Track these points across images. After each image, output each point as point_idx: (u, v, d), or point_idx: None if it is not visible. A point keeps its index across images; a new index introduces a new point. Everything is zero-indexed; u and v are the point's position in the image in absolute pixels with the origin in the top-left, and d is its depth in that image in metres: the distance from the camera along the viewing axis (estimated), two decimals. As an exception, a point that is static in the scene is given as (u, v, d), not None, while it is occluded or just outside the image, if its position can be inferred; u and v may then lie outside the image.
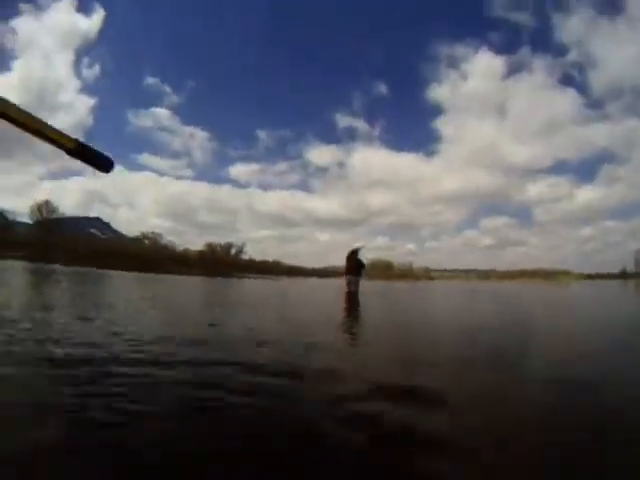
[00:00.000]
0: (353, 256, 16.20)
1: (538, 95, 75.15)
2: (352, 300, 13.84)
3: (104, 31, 63.35)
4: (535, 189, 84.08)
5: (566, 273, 68.79)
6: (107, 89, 78.66)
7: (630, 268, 61.45)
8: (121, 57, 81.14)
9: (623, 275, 60.66)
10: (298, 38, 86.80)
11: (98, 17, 63.45)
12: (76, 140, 1.46)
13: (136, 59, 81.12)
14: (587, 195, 76.33)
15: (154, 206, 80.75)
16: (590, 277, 63.20)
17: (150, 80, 74.00)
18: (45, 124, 1.40)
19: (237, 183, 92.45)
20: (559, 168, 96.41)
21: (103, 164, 1.58)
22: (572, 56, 63.69)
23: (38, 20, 63.60)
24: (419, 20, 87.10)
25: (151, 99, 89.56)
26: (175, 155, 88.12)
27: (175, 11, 78.73)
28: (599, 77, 69.88)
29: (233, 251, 63.96)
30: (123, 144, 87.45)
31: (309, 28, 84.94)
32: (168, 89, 75.28)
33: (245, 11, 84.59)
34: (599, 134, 73.69)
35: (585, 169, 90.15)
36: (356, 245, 16.64)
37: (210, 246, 62.83)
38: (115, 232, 71.53)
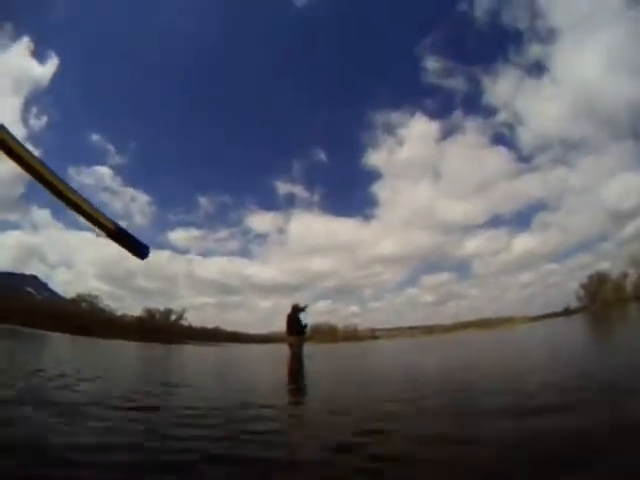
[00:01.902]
0: (293, 316, 14.98)
1: (471, 155, 76.49)
2: (296, 363, 12.90)
3: (56, 81, 60.60)
4: (473, 244, 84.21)
5: (509, 319, 68.64)
6: (52, 141, 75.49)
7: (574, 305, 63.83)
8: (69, 110, 78.60)
9: (567, 312, 62.06)
10: (238, 104, 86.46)
11: (52, 65, 60.54)
12: (115, 223, 1.74)
13: (84, 114, 78.57)
14: (524, 243, 77.25)
15: (92, 268, 77.59)
16: (535, 319, 63.29)
17: (95, 137, 71.63)
18: (86, 202, 1.73)
19: (176, 248, 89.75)
20: (495, 221, 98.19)
21: (139, 250, 1.94)
22: (501, 116, 65.15)
23: (-8, 60, 60.48)
24: (357, 88, 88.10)
25: (94, 157, 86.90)
26: (115, 217, 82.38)
27: (127, 72, 77.15)
28: (527, 133, 71.30)
29: (173, 317, 61.25)
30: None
31: (248, 94, 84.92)
32: (112, 148, 72.85)
33: (189, 74, 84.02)
34: (530, 186, 75.13)
35: (520, 219, 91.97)
36: (295, 303, 15.31)
37: (149, 312, 60.08)
38: (52, 292, 68.09)
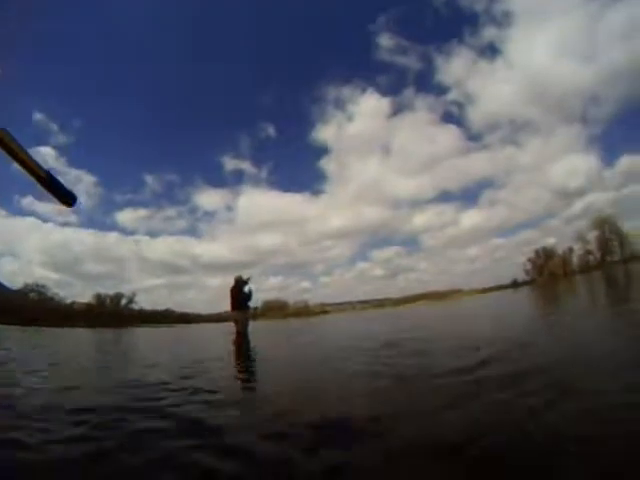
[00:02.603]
0: (237, 289, 14.29)
1: (421, 132, 77.25)
2: (241, 340, 12.39)
3: None
4: (422, 218, 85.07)
5: (458, 291, 71.21)
6: None
7: (522, 278, 66.72)
8: (9, 86, 75.31)
9: (514, 285, 64.46)
10: (184, 78, 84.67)
11: None
12: (47, 171, 1.74)
13: (25, 91, 75.54)
14: (471, 218, 79.04)
15: (38, 255, 75.10)
16: (484, 291, 64.66)
17: (37, 116, 68.94)
18: (25, 151, 1.65)
19: (124, 230, 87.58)
20: (443, 197, 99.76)
21: (67, 198, 1.89)
22: (452, 95, 65.67)
23: None
24: (307, 62, 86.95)
25: (38, 137, 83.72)
26: None
27: (69, 47, 74.43)
28: (477, 113, 72.57)
29: (123, 301, 60.15)
30: (5, 185, 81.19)
31: (195, 68, 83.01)
32: (55, 127, 70.35)
33: (131, 50, 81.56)
34: (479, 163, 76.60)
35: (468, 196, 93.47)
36: (238, 275, 14.60)
37: (99, 297, 59.00)
38: (-1, 284, 65.94)
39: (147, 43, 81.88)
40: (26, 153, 1.67)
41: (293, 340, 13.34)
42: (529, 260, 66.93)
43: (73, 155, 79.70)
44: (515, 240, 79.59)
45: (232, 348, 10.66)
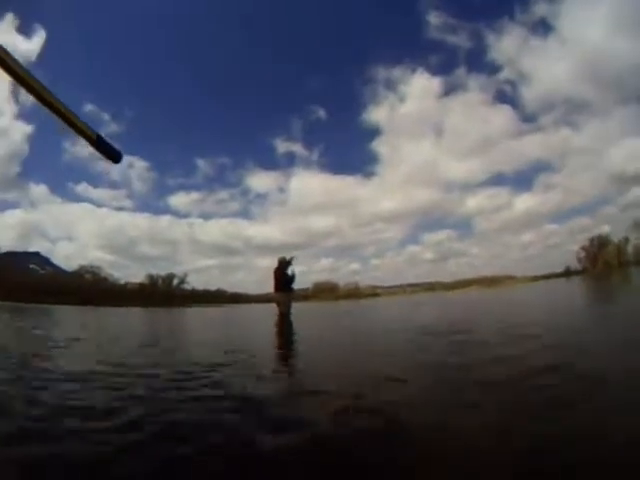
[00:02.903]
0: (280, 270, 13.99)
1: (473, 113, 74.21)
2: (282, 323, 11.86)
3: (44, 54, 58.64)
4: (474, 201, 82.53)
5: (510, 278, 68.60)
6: (44, 116, 72.97)
7: (574, 266, 63.52)
8: (60, 82, 75.95)
9: (567, 273, 61.70)
10: (234, 64, 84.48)
11: (39, 39, 58.56)
12: (96, 132, 1.73)
13: (75, 85, 76.36)
14: (525, 203, 75.63)
15: (93, 239, 76.79)
16: (536, 279, 62.91)
17: (88, 107, 69.82)
18: (74, 114, 1.63)
19: (177, 213, 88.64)
20: (497, 180, 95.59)
21: (115, 156, 1.88)
22: (505, 74, 63.12)
23: (-23, 39, 58.42)
24: (356, 43, 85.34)
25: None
26: (113, 185, 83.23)
27: (117, 38, 75.38)
28: (531, 92, 69.48)
29: (175, 282, 60.85)
30: (60, 174, 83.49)
31: (245, 53, 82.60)
32: (107, 117, 71.12)
33: (181, 37, 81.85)
34: (533, 146, 73.50)
35: (522, 179, 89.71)
36: (282, 257, 14.31)
37: (151, 278, 59.80)
38: (55, 267, 67.45)
39: (197, 28, 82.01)
40: (77, 117, 1.68)
41: (337, 325, 12.53)
42: (583, 248, 63.91)
43: (125, 143, 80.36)
44: (569, 226, 73.29)
45: (273, 330, 10.21)
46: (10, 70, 1.46)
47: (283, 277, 13.85)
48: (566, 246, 79.06)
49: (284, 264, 13.96)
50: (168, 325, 14.40)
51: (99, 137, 1.84)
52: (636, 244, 58.81)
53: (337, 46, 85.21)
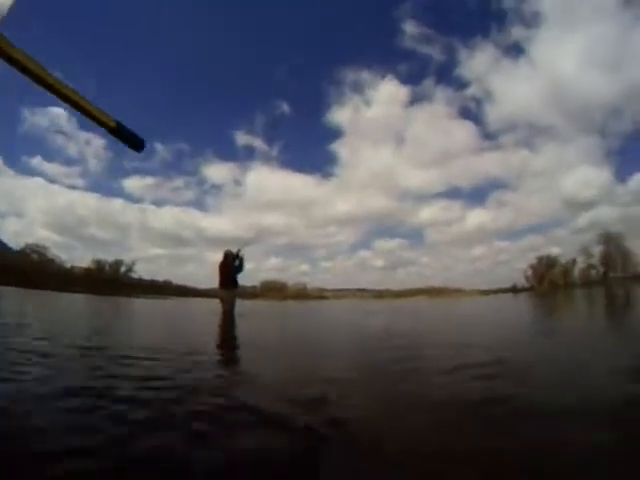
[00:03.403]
0: (226, 265, 13.00)
1: (437, 124, 75.14)
2: (227, 322, 10.79)
3: (9, 14, 56.37)
4: (428, 212, 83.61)
5: (458, 290, 70.02)
6: (4, 80, 71.15)
7: (522, 283, 64.94)
8: (25, 45, 73.87)
9: (514, 290, 63.11)
10: (202, 53, 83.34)
11: None
12: (116, 121, 1.98)
13: (39, 50, 73.14)
14: (478, 218, 76.80)
15: (42, 216, 74.57)
16: (483, 293, 63.84)
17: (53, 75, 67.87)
18: (91, 104, 1.94)
19: (130, 197, 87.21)
20: (452, 193, 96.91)
21: (137, 144, 2.16)
22: (472, 90, 63.63)
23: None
24: (328, 42, 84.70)
25: (50, 97, 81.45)
26: (68, 162, 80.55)
27: (78, 16, 73.29)
28: (495, 111, 70.41)
29: (123, 269, 59.48)
30: (15, 144, 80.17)
31: (214, 44, 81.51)
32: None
33: (147, 19, 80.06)
34: (492, 163, 75.29)
35: (476, 194, 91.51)
36: (228, 250, 13.28)
37: (98, 263, 58.30)
38: (1, 243, 65.49)
39: (163, 11, 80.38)
40: (97, 108, 1.92)
41: (285, 327, 11.68)
42: (531, 266, 65.52)
43: (83, 119, 78.67)
44: (519, 245, 76.92)
45: (212, 329, 9.31)
46: (25, 69, 1.65)
47: (229, 272, 12.88)
48: (515, 263, 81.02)
49: (231, 258, 12.96)
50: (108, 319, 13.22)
51: (119, 125, 1.98)
52: (582, 267, 60.71)
53: (308, 42, 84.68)
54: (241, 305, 14.32)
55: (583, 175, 63.78)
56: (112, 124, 1.86)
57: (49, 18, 72.99)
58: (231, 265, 12.84)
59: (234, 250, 13.10)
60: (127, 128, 1.99)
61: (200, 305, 26.21)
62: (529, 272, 65.33)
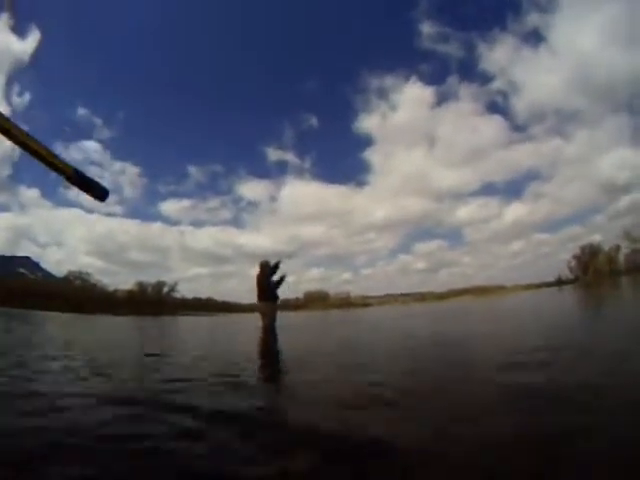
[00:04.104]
0: (263, 277, 11.99)
1: (465, 122, 74.13)
2: (268, 337, 9.78)
3: (38, 56, 57.21)
4: (465, 211, 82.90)
5: (501, 287, 68.37)
6: (37, 119, 72.43)
7: (566, 275, 62.97)
8: (53, 85, 75.40)
9: (558, 283, 60.84)
10: (227, 71, 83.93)
11: (33, 40, 57.14)
12: (73, 168, 1.89)
13: (67, 88, 75.81)
14: (515, 212, 75.90)
15: (83, 244, 76.39)
16: (527, 288, 61.83)
17: (81, 111, 68.69)
18: (45, 148, 1.80)
19: (168, 220, 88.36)
20: (487, 190, 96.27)
21: (99, 192, 2.13)
22: (497, 84, 62.43)
23: (-30, 39, 57.11)
24: (349, 51, 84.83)
25: (82, 132, 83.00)
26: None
27: (110, 41, 74.50)
28: (523, 102, 69.31)
29: (165, 290, 59.94)
30: (51, 178, 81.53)
31: (238, 61, 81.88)
32: (99, 121, 69.95)
33: (177, 45, 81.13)
34: (524, 155, 73.54)
35: (512, 188, 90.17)
36: (265, 260, 12.27)
37: (141, 285, 58.71)
38: (45, 272, 66.31)
39: (192, 34, 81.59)
40: (53, 154, 1.78)
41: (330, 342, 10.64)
42: (574, 257, 63.11)
43: (117, 147, 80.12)
44: (559, 236, 75.50)
45: (255, 349, 8.33)
46: None
47: (267, 284, 11.87)
48: (556, 255, 79.58)
49: (267, 269, 11.97)
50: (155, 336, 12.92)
51: (77, 172, 1.96)
52: (627, 252, 58.30)
53: (330, 53, 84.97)
54: (284, 317, 13.35)
55: (617, 157, 62.85)
56: (69, 171, 1.80)
57: (71, 59, 74.65)
58: (268, 276, 11.83)
59: (272, 262, 12.12)
60: (86, 176, 1.94)
61: (243, 320, 25.49)
62: (573, 262, 63.25)
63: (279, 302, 12.29)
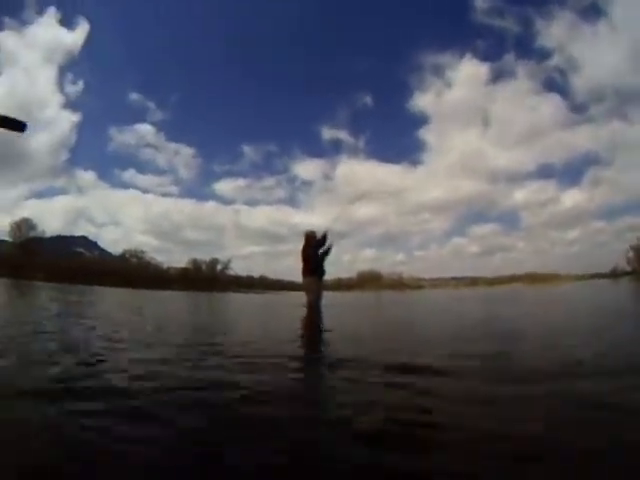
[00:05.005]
0: (309, 249, 10.78)
1: (522, 101, 71.27)
2: (312, 316, 8.96)
3: (88, 45, 57.99)
4: (521, 194, 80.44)
5: (555, 276, 66.17)
6: (90, 105, 73.96)
7: (622, 267, 58.96)
8: (105, 72, 76.43)
9: (614, 274, 57.66)
10: (281, 51, 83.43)
11: (82, 31, 58.37)
12: None
13: (120, 74, 77.05)
14: (573, 198, 72.90)
15: (139, 224, 78.43)
16: (581, 278, 59.34)
17: (134, 96, 69.44)
18: None
19: (223, 199, 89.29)
20: (544, 172, 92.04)
21: (16, 125, 2.17)
22: (554, 61, 59.49)
23: (22, 35, 58.60)
24: (403, 29, 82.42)
25: (135, 115, 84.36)
26: (160, 172, 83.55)
27: (160, 25, 75.02)
28: (582, 81, 65.95)
29: (219, 267, 60.17)
30: (107, 161, 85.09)
31: (293, 40, 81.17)
32: (152, 105, 70.29)
33: (229, 25, 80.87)
34: (583, 137, 69.97)
35: (570, 172, 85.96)
36: (310, 231, 11.02)
37: (195, 262, 59.42)
38: (102, 250, 67.90)
39: (243, 11, 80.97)
40: None
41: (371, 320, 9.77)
42: (631, 248, 58.54)
43: (171, 129, 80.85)
44: (618, 225, 70.64)
45: (298, 326, 7.38)
46: None
47: (312, 257, 10.68)
48: (614, 245, 75.92)
49: (313, 240, 10.76)
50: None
51: None
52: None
53: (384, 31, 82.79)
54: (336, 297, 12.36)
55: None
56: None
57: (119, 46, 75.52)
58: (314, 248, 10.71)
59: (319, 233, 10.90)
60: (3, 115, 2.04)
61: (292, 297, 25.00)
62: (630, 253, 58.72)
63: (325, 278, 11.20)
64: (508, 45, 77.16)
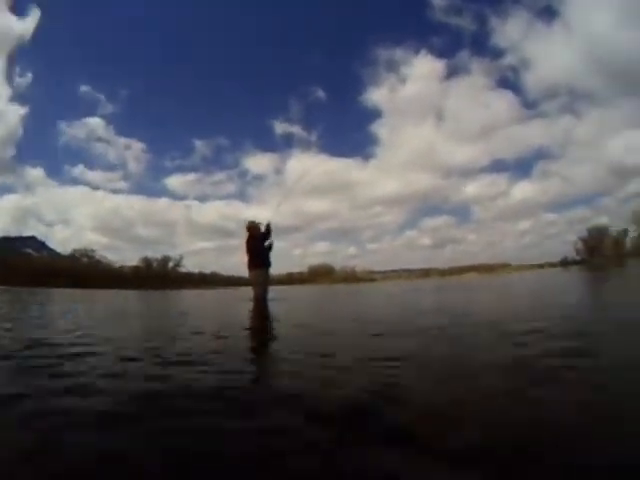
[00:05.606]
0: (253, 241, 10.39)
1: (476, 97, 71.40)
2: (259, 309, 8.70)
3: (38, 34, 55.63)
4: (473, 188, 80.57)
5: (506, 265, 67.82)
6: (40, 97, 71.43)
7: (572, 257, 61.05)
8: (55, 63, 73.34)
9: (564, 263, 59.76)
10: (232, 43, 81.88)
11: (33, 19, 55.56)
12: None
13: (70, 66, 74.15)
14: (524, 190, 73.30)
15: (89, 222, 75.88)
16: (532, 268, 60.87)
17: (84, 88, 67.14)
18: None
19: (174, 195, 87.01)
20: (496, 166, 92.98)
21: None
22: (508, 59, 59.95)
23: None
24: (358, 24, 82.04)
25: (85, 108, 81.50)
26: (110, 167, 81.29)
27: (112, 16, 72.69)
28: (534, 79, 66.44)
29: (170, 265, 59.46)
30: (56, 156, 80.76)
31: (244, 34, 79.71)
32: (102, 98, 68.63)
33: (181, 19, 79.01)
34: (535, 133, 70.87)
35: (521, 166, 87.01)
36: (251, 221, 10.66)
37: (146, 260, 58.29)
38: (51, 251, 65.69)
39: (194, 5, 79.28)
40: None
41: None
42: (580, 239, 61.37)
43: (121, 123, 78.39)
44: (567, 217, 71.57)
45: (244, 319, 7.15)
46: None
47: (259, 250, 10.30)
48: (564, 236, 77.41)
49: (258, 232, 10.36)
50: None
51: None
52: (634, 237, 57.00)
53: (338, 25, 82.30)
54: (286, 290, 12.19)
55: (629, 140, 58.92)
56: None
57: (71, 37, 73.39)
58: (259, 240, 10.31)
59: (260, 223, 10.51)
60: None
61: (242, 292, 24.64)
62: (579, 244, 61.49)
63: (275, 272, 10.91)
64: (463, 42, 77.36)
